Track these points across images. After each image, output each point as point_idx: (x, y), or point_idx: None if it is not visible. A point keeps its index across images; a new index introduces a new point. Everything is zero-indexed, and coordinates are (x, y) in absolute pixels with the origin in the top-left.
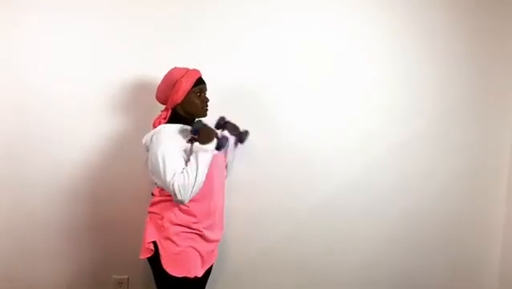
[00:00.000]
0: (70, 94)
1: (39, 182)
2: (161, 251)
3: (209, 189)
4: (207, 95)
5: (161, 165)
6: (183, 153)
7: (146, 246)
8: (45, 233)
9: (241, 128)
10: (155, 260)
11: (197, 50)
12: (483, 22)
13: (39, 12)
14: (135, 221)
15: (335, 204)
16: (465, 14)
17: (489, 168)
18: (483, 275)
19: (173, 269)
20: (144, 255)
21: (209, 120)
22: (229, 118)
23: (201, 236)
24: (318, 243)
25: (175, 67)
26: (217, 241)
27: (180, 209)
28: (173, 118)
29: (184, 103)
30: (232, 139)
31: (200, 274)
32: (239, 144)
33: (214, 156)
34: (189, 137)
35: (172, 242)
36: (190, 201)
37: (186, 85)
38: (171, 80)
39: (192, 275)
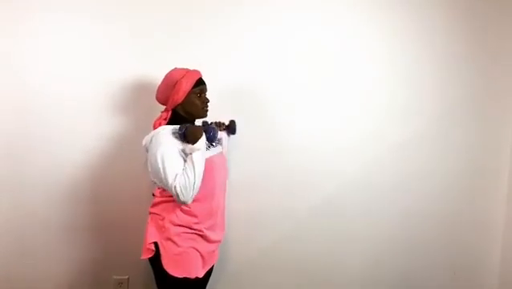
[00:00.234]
0: (70, 94)
1: (39, 182)
2: (162, 252)
3: (210, 189)
4: (207, 96)
5: (161, 167)
6: (182, 153)
7: (147, 246)
8: (45, 233)
9: (233, 124)
10: (156, 260)
11: (198, 51)
12: (483, 21)
13: (39, 12)
14: (135, 221)
15: (335, 204)
16: (464, 14)
17: (490, 168)
18: (483, 275)
19: (174, 269)
20: (145, 256)
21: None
22: (227, 117)
23: (203, 236)
24: (319, 243)
25: (175, 68)
26: (219, 241)
27: (182, 210)
28: (174, 119)
29: (185, 104)
30: (224, 134)
31: (201, 274)
32: (231, 136)
33: (214, 157)
34: (181, 138)
35: (173, 242)
36: (192, 201)
37: (186, 86)
38: (171, 81)
39: (193, 276)
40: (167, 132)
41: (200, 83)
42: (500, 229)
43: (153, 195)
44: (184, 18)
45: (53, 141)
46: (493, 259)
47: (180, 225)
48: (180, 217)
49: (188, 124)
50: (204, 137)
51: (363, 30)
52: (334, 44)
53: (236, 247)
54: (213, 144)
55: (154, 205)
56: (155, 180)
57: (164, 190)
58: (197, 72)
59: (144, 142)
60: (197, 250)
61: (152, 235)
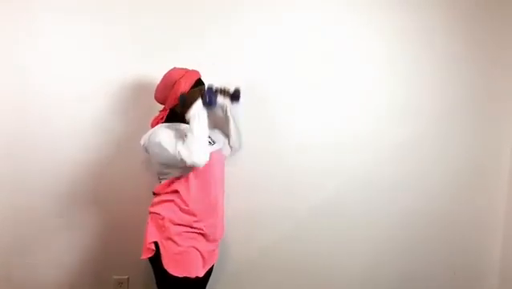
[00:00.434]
0: (70, 94)
1: (39, 182)
2: (162, 251)
3: (207, 184)
4: None
5: (164, 146)
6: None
7: (147, 246)
8: (45, 233)
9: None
10: (156, 260)
11: (197, 51)
12: (482, 22)
13: (39, 12)
14: (135, 221)
15: (335, 204)
16: (464, 14)
17: (489, 167)
18: (483, 275)
19: (174, 269)
20: (145, 255)
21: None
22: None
23: (203, 235)
24: (318, 243)
25: (174, 68)
26: (218, 240)
27: (181, 209)
28: (171, 118)
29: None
30: (228, 101)
31: (201, 274)
32: (236, 104)
33: (212, 154)
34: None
35: (174, 242)
36: (190, 200)
37: (185, 86)
38: (170, 80)
39: (193, 275)
40: (164, 126)
41: (199, 84)
42: (500, 229)
43: (154, 194)
44: (185, 18)
45: (53, 141)
46: (493, 259)
47: (180, 225)
48: (179, 216)
49: (184, 93)
50: (200, 101)
51: (363, 30)
52: (334, 44)
53: (236, 247)
54: (210, 141)
55: (154, 204)
56: (165, 162)
57: (167, 185)
58: (196, 72)
59: (142, 141)
60: (198, 250)
61: (152, 235)
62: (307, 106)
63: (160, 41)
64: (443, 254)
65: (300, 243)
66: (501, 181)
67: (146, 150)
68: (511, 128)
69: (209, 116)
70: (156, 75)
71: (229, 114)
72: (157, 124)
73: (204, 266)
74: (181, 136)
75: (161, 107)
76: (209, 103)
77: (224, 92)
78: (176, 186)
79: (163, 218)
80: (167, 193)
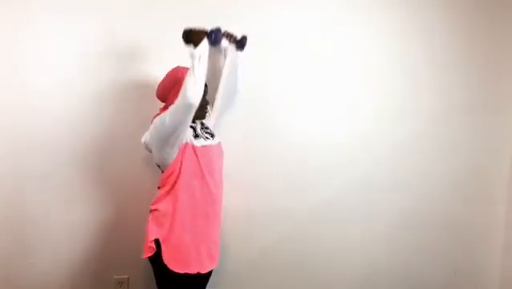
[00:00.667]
0: (70, 94)
1: (39, 182)
2: (163, 248)
3: (201, 173)
4: (207, 99)
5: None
6: None
7: (148, 244)
8: (45, 233)
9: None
10: (156, 258)
11: None
12: (482, 22)
13: (40, 13)
14: (135, 220)
15: (334, 204)
16: (464, 15)
17: (489, 167)
18: (484, 275)
19: (175, 265)
20: (147, 254)
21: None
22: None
23: (202, 230)
24: (318, 243)
25: (177, 66)
26: (217, 235)
27: (181, 203)
28: None
29: None
30: (232, 46)
31: (202, 270)
32: (240, 51)
33: (210, 147)
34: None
35: (175, 237)
36: (191, 195)
37: None
38: (172, 79)
39: (194, 271)
40: None
41: None
42: (500, 230)
43: (159, 188)
44: (185, 18)
45: (53, 141)
46: (493, 259)
47: (180, 220)
48: (180, 210)
49: (191, 27)
50: (205, 41)
51: (363, 30)
52: (334, 44)
53: (236, 247)
54: (207, 136)
55: (154, 202)
56: (162, 135)
57: (168, 176)
58: None
59: (143, 139)
60: (198, 245)
61: (152, 233)
62: (307, 106)
63: (161, 40)
64: (443, 254)
65: (300, 243)
66: (501, 181)
67: (147, 148)
68: (511, 127)
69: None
70: (157, 74)
71: (228, 59)
72: None
73: (204, 263)
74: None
75: (162, 104)
76: (214, 42)
77: (230, 37)
78: (175, 182)
79: (164, 215)
80: (168, 189)
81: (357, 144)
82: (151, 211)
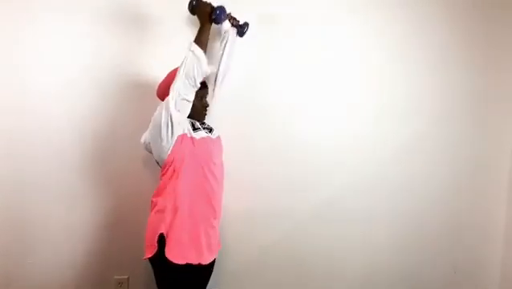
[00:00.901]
0: (70, 94)
1: (39, 182)
2: (167, 242)
3: (201, 165)
4: (207, 100)
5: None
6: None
7: (151, 242)
8: (45, 233)
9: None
10: (157, 257)
11: None
12: (482, 22)
13: (40, 13)
14: (135, 220)
15: (335, 203)
16: (463, 15)
17: (491, 167)
18: (484, 275)
19: (176, 257)
20: (148, 254)
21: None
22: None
23: (202, 222)
24: (319, 243)
25: (178, 67)
26: (217, 226)
27: (180, 194)
28: None
29: None
30: (233, 30)
31: (204, 261)
32: (238, 38)
33: (209, 138)
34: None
35: (176, 230)
36: (192, 188)
37: None
38: (173, 79)
39: (194, 262)
40: None
41: (202, 87)
42: (501, 230)
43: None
44: (185, 17)
45: (53, 141)
46: (493, 260)
47: (181, 211)
48: (179, 201)
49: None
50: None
51: (363, 30)
52: (334, 44)
53: (236, 247)
54: (205, 131)
55: (155, 194)
56: (160, 127)
57: (167, 168)
58: None
59: (142, 139)
60: (199, 237)
61: (156, 228)
62: (307, 106)
63: (161, 40)
64: (443, 254)
65: (300, 243)
66: (503, 181)
67: (146, 148)
68: (511, 128)
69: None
70: (157, 74)
71: (227, 43)
72: None
73: (204, 254)
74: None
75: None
76: (217, 19)
77: (233, 20)
78: (174, 174)
79: (163, 209)
80: (167, 180)
81: (357, 143)
82: (152, 204)
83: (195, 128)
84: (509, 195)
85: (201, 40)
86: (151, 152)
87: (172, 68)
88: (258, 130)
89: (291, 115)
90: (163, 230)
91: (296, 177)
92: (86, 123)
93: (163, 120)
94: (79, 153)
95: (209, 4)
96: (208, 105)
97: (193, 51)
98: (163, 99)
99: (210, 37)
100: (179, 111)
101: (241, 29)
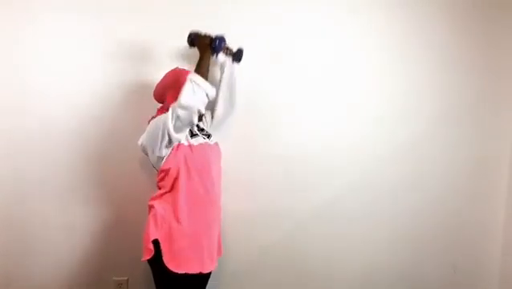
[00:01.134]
0: (70, 94)
1: (39, 183)
2: (162, 248)
3: (205, 181)
4: None
5: (155, 122)
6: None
7: (147, 246)
8: (44, 234)
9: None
10: (155, 260)
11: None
12: (481, 23)
13: (40, 13)
14: (134, 222)
15: (335, 204)
16: (463, 16)
17: (490, 168)
18: (483, 274)
19: (174, 265)
20: (146, 257)
21: None
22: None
23: (202, 230)
24: (318, 243)
25: (176, 67)
26: (217, 234)
27: (179, 204)
28: None
29: None
30: (229, 59)
31: (204, 270)
32: (237, 63)
33: (207, 145)
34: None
35: (173, 237)
36: (190, 195)
37: None
38: (170, 80)
39: (195, 271)
40: None
41: None
42: (500, 230)
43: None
44: (185, 18)
45: (52, 141)
46: (493, 260)
47: (179, 220)
48: (178, 210)
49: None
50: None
51: (363, 30)
52: (333, 45)
53: (236, 247)
54: (204, 136)
55: (153, 198)
56: (157, 139)
57: (164, 175)
58: None
59: (139, 141)
60: (198, 245)
61: (151, 233)
62: (307, 106)
63: (160, 41)
64: (443, 254)
65: (300, 243)
66: (502, 181)
67: (143, 150)
68: (511, 127)
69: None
70: (156, 75)
71: (226, 72)
72: None
73: (204, 263)
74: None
75: (159, 105)
76: (216, 49)
77: (227, 50)
78: (173, 182)
79: (162, 214)
80: (165, 188)
81: (357, 143)
82: (149, 208)
83: (193, 135)
84: (509, 195)
85: (202, 70)
86: (147, 154)
87: (170, 69)
88: (257, 130)
89: (291, 115)
90: (157, 236)
91: (296, 177)
92: (85, 123)
93: (160, 135)
94: (79, 154)
95: (208, 36)
96: (203, 114)
97: (194, 81)
98: (160, 101)
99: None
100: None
101: (237, 56)
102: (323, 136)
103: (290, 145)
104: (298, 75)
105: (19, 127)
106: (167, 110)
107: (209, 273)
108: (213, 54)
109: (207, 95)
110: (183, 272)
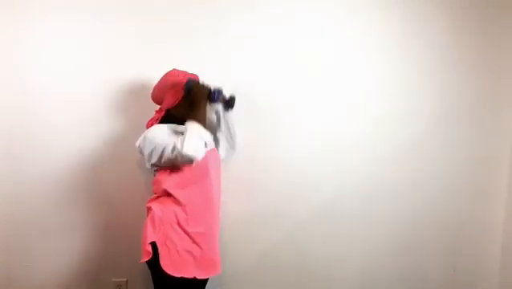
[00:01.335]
0: (69, 94)
1: (38, 183)
2: (160, 251)
3: (204, 186)
4: None
5: (157, 141)
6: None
7: (145, 247)
8: (44, 235)
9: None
10: (153, 262)
11: (197, 52)
12: (481, 23)
13: (40, 13)
14: (134, 223)
15: (334, 205)
16: (463, 16)
17: (490, 168)
18: (483, 275)
19: (171, 269)
20: (145, 258)
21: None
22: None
23: (200, 235)
24: (318, 244)
25: (174, 69)
26: (216, 240)
27: (178, 209)
28: (166, 119)
29: (179, 107)
30: (220, 108)
31: (199, 275)
32: (230, 110)
33: (209, 155)
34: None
35: (171, 241)
36: (188, 199)
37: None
38: (168, 82)
39: (190, 276)
40: (158, 126)
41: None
42: (500, 230)
43: (155, 193)
44: (185, 18)
45: (52, 142)
46: (493, 260)
47: (177, 224)
48: (177, 215)
49: (193, 80)
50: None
51: (363, 31)
52: (333, 45)
53: (235, 248)
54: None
55: (151, 200)
56: (156, 160)
57: (158, 181)
58: (194, 76)
59: (137, 143)
60: (196, 250)
61: (149, 236)
62: (307, 107)
63: (159, 41)
64: (443, 254)
65: (300, 243)
66: (502, 181)
67: (141, 152)
68: (511, 127)
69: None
70: (155, 76)
71: (222, 119)
72: (152, 125)
73: (201, 269)
74: (176, 135)
75: (158, 107)
76: (214, 100)
77: (222, 98)
78: (172, 189)
79: (160, 217)
80: (164, 194)
81: (357, 143)
82: (147, 210)
83: None
84: (509, 195)
85: (201, 118)
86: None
87: (167, 70)
88: (257, 130)
89: (291, 115)
90: (155, 239)
91: (297, 178)
92: (85, 123)
93: (157, 157)
94: (78, 154)
95: (207, 87)
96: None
97: (193, 131)
98: (158, 102)
99: None
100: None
101: (230, 103)
102: (323, 135)
103: (290, 145)
104: (298, 75)
105: (19, 127)
106: (163, 111)
107: (207, 279)
108: (209, 104)
109: (206, 143)
110: (179, 276)
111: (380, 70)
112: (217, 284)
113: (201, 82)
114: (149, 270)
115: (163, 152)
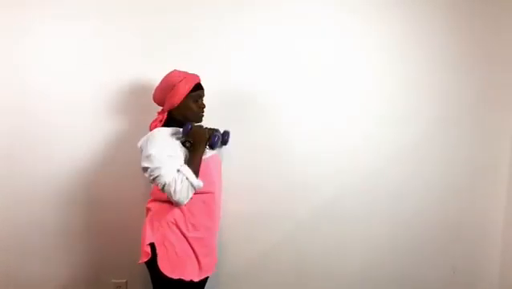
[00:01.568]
0: (70, 96)
1: (38, 184)
2: (158, 252)
3: (205, 189)
4: (204, 101)
5: (157, 166)
6: (176, 153)
7: (144, 248)
8: (43, 236)
9: (224, 129)
10: (152, 263)
11: (197, 53)
12: (481, 23)
13: (40, 13)
14: (133, 224)
15: (334, 205)
16: (463, 17)
17: (489, 169)
18: (483, 276)
19: (169, 271)
20: (144, 259)
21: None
22: (228, 120)
23: (199, 239)
24: (318, 244)
25: (174, 70)
26: (214, 243)
27: (177, 213)
28: (169, 121)
29: (181, 108)
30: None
31: (196, 278)
32: (223, 146)
33: (209, 159)
34: (182, 140)
35: (169, 243)
36: (188, 201)
37: (184, 89)
38: (169, 83)
39: (187, 278)
40: (162, 133)
41: (198, 88)
42: (499, 230)
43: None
44: (185, 18)
45: (52, 143)
46: (493, 260)
47: (176, 226)
48: (176, 216)
49: (193, 124)
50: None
51: (363, 31)
52: (333, 46)
53: (235, 248)
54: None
55: (151, 201)
56: (147, 173)
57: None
58: (196, 77)
59: (139, 144)
60: (193, 253)
61: (149, 237)
62: (307, 107)
63: (160, 42)
64: (442, 253)
65: (300, 244)
66: (502, 182)
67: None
68: (510, 128)
69: None
70: (156, 77)
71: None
72: (156, 127)
73: (200, 271)
74: (175, 157)
75: (159, 108)
76: (213, 145)
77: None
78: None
79: (159, 219)
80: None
81: (357, 145)
82: (147, 211)
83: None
84: (509, 196)
85: (196, 162)
86: None
87: (168, 71)
88: (257, 130)
89: (291, 115)
90: (153, 240)
91: (297, 178)
92: (85, 123)
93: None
94: (78, 155)
95: (207, 131)
96: (204, 106)
97: (186, 176)
98: (159, 103)
99: None
100: None
101: (223, 139)
102: (323, 135)
103: (290, 145)
104: (298, 75)
105: (19, 127)
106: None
107: (206, 277)
108: (208, 148)
109: (195, 187)
110: (177, 278)
111: (380, 70)
112: (217, 284)
113: (202, 127)
114: (148, 271)
115: (155, 179)
